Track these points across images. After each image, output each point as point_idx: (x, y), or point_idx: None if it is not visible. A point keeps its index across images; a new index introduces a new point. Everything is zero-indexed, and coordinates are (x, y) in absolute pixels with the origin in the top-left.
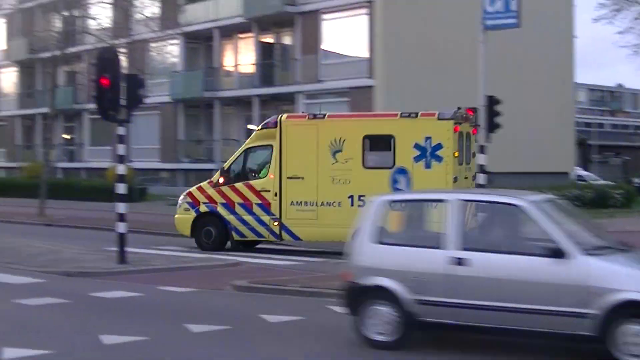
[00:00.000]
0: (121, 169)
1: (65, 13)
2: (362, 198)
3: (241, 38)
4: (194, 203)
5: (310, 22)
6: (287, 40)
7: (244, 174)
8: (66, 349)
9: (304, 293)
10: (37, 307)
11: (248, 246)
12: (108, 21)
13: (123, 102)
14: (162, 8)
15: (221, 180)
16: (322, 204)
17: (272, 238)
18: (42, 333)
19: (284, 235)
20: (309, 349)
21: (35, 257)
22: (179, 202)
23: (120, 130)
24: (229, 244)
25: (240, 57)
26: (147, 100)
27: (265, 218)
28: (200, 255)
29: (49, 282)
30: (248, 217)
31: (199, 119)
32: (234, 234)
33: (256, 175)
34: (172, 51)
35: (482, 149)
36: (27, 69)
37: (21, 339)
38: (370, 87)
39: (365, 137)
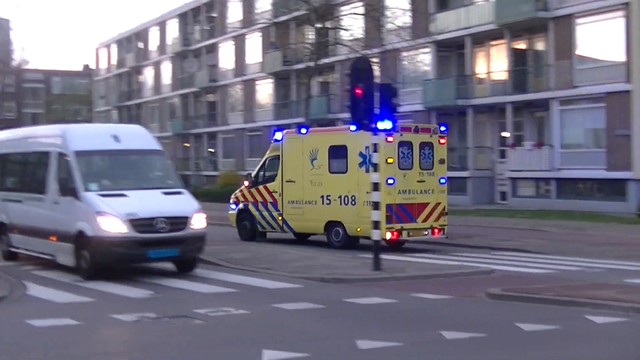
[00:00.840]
0: (375, 178)
1: (318, 25)
2: (328, 197)
3: (493, 45)
4: (237, 202)
5: (564, 27)
6: (539, 46)
7: (264, 179)
8: (322, 352)
9: (560, 302)
10: (294, 311)
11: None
12: (360, 32)
13: (376, 111)
14: (413, 17)
15: (249, 183)
16: (306, 202)
17: (279, 230)
18: (299, 336)
19: (285, 227)
20: (569, 358)
21: (291, 262)
22: (231, 200)
23: (374, 139)
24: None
25: (492, 64)
26: (400, 109)
27: (275, 214)
28: (453, 263)
29: (305, 287)
30: (265, 213)
31: (451, 127)
32: (258, 226)
33: (271, 179)
34: (423, 60)
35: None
36: (281, 80)
37: (279, 342)
38: (627, 92)
39: (330, 147)
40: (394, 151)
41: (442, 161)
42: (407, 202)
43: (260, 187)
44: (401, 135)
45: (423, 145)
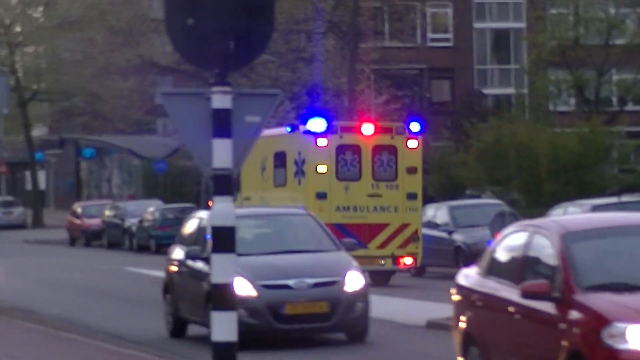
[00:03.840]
0: None
1: None
2: None
3: None
4: None
5: None
6: None
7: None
8: None
9: None
10: None
11: None
12: None
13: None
14: None
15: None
16: None
17: None
18: None
19: None
20: None
21: None
22: None
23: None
24: None
25: None
26: None
27: None
28: None
29: None
30: None
31: None
32: None
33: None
34: None
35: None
36: None
37: None
38: None
39: (275, 154)
40: (328, 157)
41: (412, 170)
42: (350, 222)
43: None
44: (340, 137)
45: (379, 149)
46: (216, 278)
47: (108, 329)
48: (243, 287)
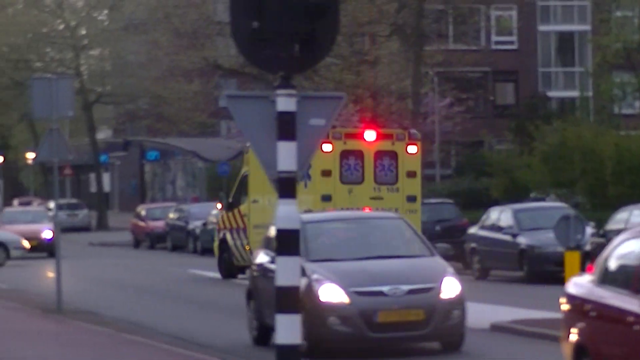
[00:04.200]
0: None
1: None
2: None
3: None
4: (219, 229)
5: None
6: None
7: (239, 200)
8: None
9: None
10: None
11: None
12: None
13: None
14: None
15: (222, 206)
16: (266, 226)
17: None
18: None
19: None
20: None
21: None
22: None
23: None
24: None
25: None
26: None
27: (245, 243)
28: None
29: None
30: (238, 242)
31: None
32: (234, 259)
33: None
34: None
35: None
36: None
37: None
38: None
39: None
40: (333, 162)
41: (411, 174)
42: None
43: (235, 211)
44: (344, 143)
45: (381, 154)
46: (281, 281)
47: (176, 332)
48: (335, 294)
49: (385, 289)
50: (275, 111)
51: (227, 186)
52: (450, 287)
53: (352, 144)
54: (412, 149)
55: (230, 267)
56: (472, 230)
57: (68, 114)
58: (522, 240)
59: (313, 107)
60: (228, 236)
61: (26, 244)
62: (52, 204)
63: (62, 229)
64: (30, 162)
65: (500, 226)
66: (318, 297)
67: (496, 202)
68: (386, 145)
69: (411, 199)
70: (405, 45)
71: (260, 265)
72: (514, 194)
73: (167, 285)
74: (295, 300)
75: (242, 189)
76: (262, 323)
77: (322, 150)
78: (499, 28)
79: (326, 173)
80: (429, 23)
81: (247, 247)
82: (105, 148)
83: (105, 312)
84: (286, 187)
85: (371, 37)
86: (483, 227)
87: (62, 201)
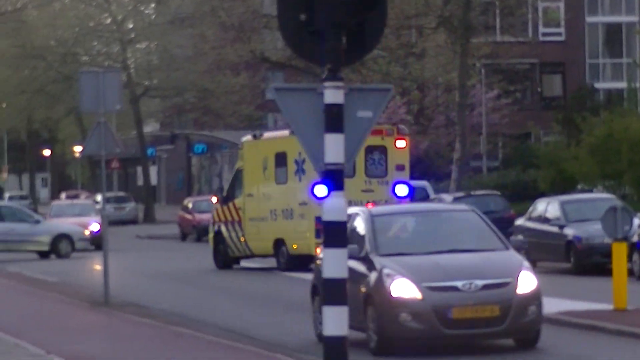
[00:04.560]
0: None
1: None
2: (275, 212)
3: None
4: (214, 222)
5: None
6: None
7: (234, 194)
8: None
9: None
10: None
11: None
12: None
13: None
14: None
15: (217, 199)
16: (261, 218)
17: (245, 254)
18: None
19: (247, 250)
20: None
21: None
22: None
23: None
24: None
25: None
26: None
27: (240, 234)
28: None
29: None
30: (233, 234)
31: None
32: (229, 251)
33: (240, 194)
34: None
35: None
36: None
37: None
38: None
39: (276, 155)
40: None
41: (400, 167)
42: None
43: (230, 204)
44: None
45: (371, 149)
46: (328, 273)
47: (226, 325)
48: (407, 289)
49: (459, 284)
50: (322, 103)
51: None
52: (527, 282)
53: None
54: (401, 143)
55: (226, 258)
56: (519, 222)
57: (115, 107)
58: (569, 231)
59: (361, 100)
60: (223, 228)
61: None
62: (99, 197)
63: (110, 222)
64: (77, 155)
65: (547, 218)
66: (389, 293)
67: (543, 194)
68: (376, 140)
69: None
70: (452, 37)
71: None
72: (561, 185)
73: (214, 277)
74: (343, 292)
75: (237, 183)
76: None
77: None
78: (546, 20)
79: None
80: (476, 15)
81: (242, 239)
82: (152, 141)
83: (153, 305)
84: (333, 179)
85: (418, 29)
86: (530, 219)
87: (110, 194)
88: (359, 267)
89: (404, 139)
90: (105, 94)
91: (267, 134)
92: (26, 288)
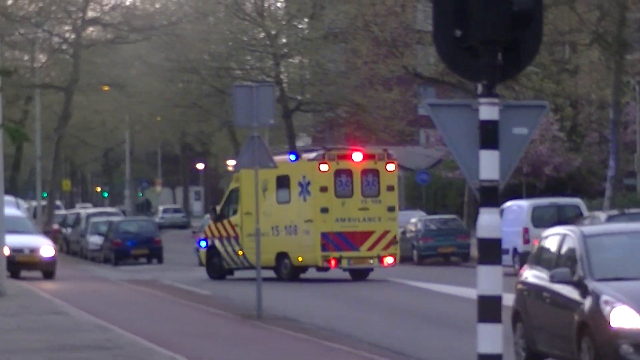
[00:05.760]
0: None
1: None
2: (277, 228)
3: None
4: (206, 238)
5: None
6: None
7: (227, 212)
8: None
9: None
10: None
11: None
12: None
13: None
14: None
15: (211, 218)
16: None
17: (241, 266)
18: None
19: (245, 263)
20: None
21: None
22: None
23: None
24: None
25: None
26: None
27: (237, 249)
28: None
29: None
30: (229, 249)
31: None
32: (224, 263)
33: (235, 212)
34: None
35: None
36: None
37: None
38: None
39: (277, 177)
40: (329, 179)
41: (390, 188)
42: (347, 230)
43: (225, 222)
44: (337, 163)
45: (366, 172)
46: (483, 290)
47: (383, 342)
48: (629, 318)
49: None
50: (477, 119)
51: (426, 195)
52: None
53: (343, 164)
54: (391, 166)
55: (220, 270)
56: None
57: (269, 121)
58: None
59: (516, 116)
60: (217, 243)
61: None
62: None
63: None
64: (231, 169)
65: None
66: (609, 322)
67: None
68: (370, 164)
69: (391, 209)
70: (606, 53)
71: (532, 284)
72: None
73: (370, 293)
74: (498, 309)
75: (231, 202)
76: (532, 349)
77: (320, 170)
78: None
79: (324, 189)
80: (631, 32)
81: (239, 252)
82: None
83: (305, 320)
84: (488, 195)
85: (572, 45)
86: None
87: None
88: (571, 292)
89: (393, 163)
90: (258, 108)
91: None
92: (179, 300)
